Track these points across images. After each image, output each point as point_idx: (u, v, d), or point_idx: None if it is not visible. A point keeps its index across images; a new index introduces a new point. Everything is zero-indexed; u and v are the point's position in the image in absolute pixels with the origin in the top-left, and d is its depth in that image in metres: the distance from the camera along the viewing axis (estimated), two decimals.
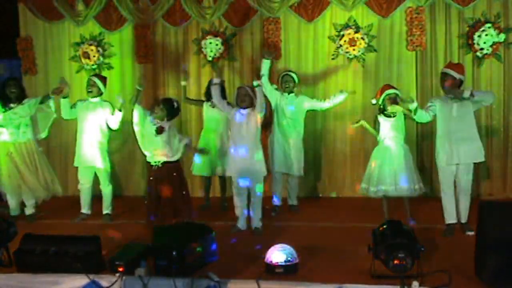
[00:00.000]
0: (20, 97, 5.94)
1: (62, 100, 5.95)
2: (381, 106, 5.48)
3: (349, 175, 7.04)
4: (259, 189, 5.42)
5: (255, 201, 5.44)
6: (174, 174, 5.24)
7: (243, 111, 5.41)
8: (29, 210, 6.09)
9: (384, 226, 4.12)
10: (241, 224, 5.48)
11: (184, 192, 5.31)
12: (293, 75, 6.22)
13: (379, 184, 5.44)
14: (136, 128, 5.31)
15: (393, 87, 5.59)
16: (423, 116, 5.17)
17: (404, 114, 5.44)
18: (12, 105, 5.89)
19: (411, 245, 3.83)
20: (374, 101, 5.58)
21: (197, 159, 6.35)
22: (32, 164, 5.94)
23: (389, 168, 5.43)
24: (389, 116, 5.46)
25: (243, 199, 5.47)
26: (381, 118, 5.51)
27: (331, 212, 6.35)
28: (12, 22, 7.55)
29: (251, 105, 5.40)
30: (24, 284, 4.09)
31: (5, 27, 7.59)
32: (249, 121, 5.38)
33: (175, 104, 5.39)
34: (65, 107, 5.96)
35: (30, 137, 5.98)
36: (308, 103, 6.24)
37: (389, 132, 5.46)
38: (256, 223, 5.44)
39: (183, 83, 6.54)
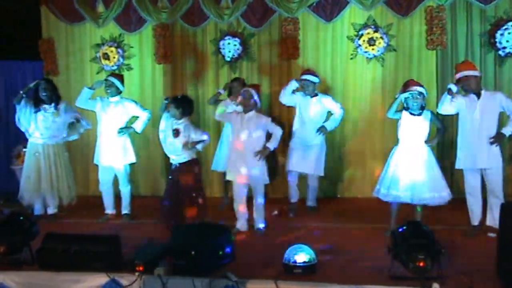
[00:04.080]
0: (52, 98, 5.98)
1: (85, 88, 6.00)
2: (405, 103, 5.19)
3: (368, 175, 6.98)
4: (260, 195, 5.41)
5: (257, 206, 5.44)
6: (189, 173, 5.27)
7: (246, 115, 5.38)
8: (51, 210, 6.17)
9: (404, 227, 4.07)
10: (241, 225, 5.45)
11: (198, 196, 5.32)
12: (312, 78, 6.13)
13: (391, 187, 5.15)
14: (161, 135, 5.37)
15: (418, 84, 5.23)
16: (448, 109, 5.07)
17: (434, 114, 5.20)
18: (45, 106, 5.96)
19: (431, 246, 3.79)
20: (398, 96, 5.28)
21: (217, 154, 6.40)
22: (56, 167, 6.00)
23: (405, 172, 5.09)
24: (415, 114, 5.13)
25: (243, 202, 5.42)
26: (405, 115, 5.18)
27: (350, 212, 6.30)
28: (35, 24, 7.65)
29: (255, 108, 5.37)
30: (46, 282, 4.15)
31: (29, 30, 7.71)
32: (252, 125, 5.33)
33: (187, 100, 5.42)
34: (84, 96, 5.96)
35: (59, 140, 6.04)
36: (329, 105, 6.18)
37: (412, 131, 5.15)
38: (259, 223, 5.43)
39: (220, 90, 6.50)
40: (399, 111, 5.23)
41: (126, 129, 6.02)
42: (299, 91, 6.16)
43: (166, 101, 5.47)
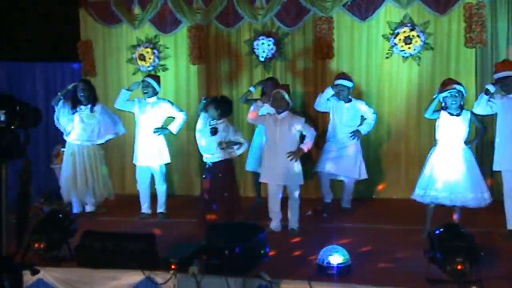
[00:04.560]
0: (89, 99, 6.10)
1: (123, 90, 6.11)
2: (444, 103, 5.05)
3: (404, 177, 6.87)
4: (295, 196, 5.38)
5: (292, 205, 5.41)
6: (223, 173, 5.31)
7: (279, 116, 5.35)
8: (89, 208, 6.30)
9: (441, 229, 3.98)
10: (274, 226, 5.42)
11: (231, 196, 5.35)
12: (346, 82, 6.04)
13: (428, 188, 5.02)
14: (198, 135, 5.44)
15: (457, 83, 5.08)
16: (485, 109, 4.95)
17: (473, 114, 5.06)
18: (82, 106, 6.09)
19: (470, 249, 3.69)
20: (436, 95, 5.17)
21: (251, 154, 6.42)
22: (91, 167, 6.12)
23: (444, 172, 4.98)
24: (453, 114, 5.01)
25: (277, 203, 5.41)
26: (443, 115, 5.05)
27: (385, 213, 6.22)
28: (74, 27, 7.83)
29: (287, 108, 5.34)
30: (84, 279, 4.23)
31: (68, 32, 7.90)
32: (285, 126, 5.30)
33: (226, 101, 5.47)
34: (122, 97, 6.08)
35: (95, 140, 6.17)
36: (362, 110, 6.08)
37: (451, 132, 5.03)
38: (293, 224, 5.40)
39: (251, 88, 6.49)
40: (437, 111, 5.12)
41: (162, 129, 6.09)
42: (333, 96, 6.08)
43: (204, 101, 5.52)
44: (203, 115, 5.44)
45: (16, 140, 2.16)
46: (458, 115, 5.02)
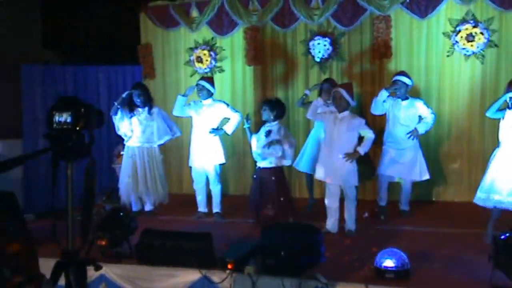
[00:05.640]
0: (146, 103, 6.25)
1: (179, 96, 6.23)
2: (510, 103, 4.77)
3: (466, 178, 6.63)
4: (351, 197, 5.29)
5: (348, 205, 5.32)
6: (273, 178, 5.32)
7: (340, 115, 5.27)
8: (148, 207, 6.46)
9: (507, 234, 3.80)
10: (330, 226, 5.34)
11: (282, 198, 5.34)
12: (404, 79, 5.90)
13: (491, 192, 4.80)
14: (253, 140, 5.51)
15: None
16: None
17: None
18: (139, 109, 6.25)
19: None
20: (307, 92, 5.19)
21: (305, 155, 6.38)
22: (150, 169, 6.26)
23: (509, 175, 4.74)
24: None
25: (335, 202, 5.33)
26: (509, 115, 4.77)
27: (446, 216, 6.01)
28: (134, 31, 8.07)
29: (348, 108, 5.26)
30: (144, 275, 4.35)
31: (128, 36, 8.16)
32: (344, 125, 5.21)
33: (281, 103, 5.48)
34: (179, 104, 6.19)
35: (153, 143, 6.31)
36: (420, 109, 5.88)
37: None
38: (350, 225, 5.31)
39: (307, 91, 6.39)
40: (501, 110, 4.89)
41: (217, 130, 6.16)
42: (389, 97, 5.93)
43: (247, 121, 5.58)
44: (253, 135, 5.53)
45: (81, 140, 2.25)
46: None
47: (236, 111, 6.25)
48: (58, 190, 2.27)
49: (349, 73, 7.11)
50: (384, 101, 5.92)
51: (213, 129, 6.14)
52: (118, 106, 6.20)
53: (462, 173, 6.68)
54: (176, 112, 6.30)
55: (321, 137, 6.07)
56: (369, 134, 5.22)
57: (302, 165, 6.41)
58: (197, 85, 6.24)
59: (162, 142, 6.41)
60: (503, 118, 4.88)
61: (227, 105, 6.29)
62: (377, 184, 6.19)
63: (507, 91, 4.84)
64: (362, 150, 5.19)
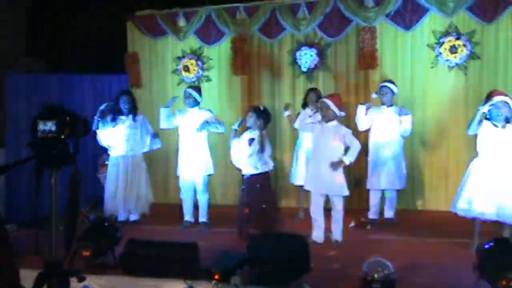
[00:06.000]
0: (132, 110, 6.23)
1: (162, 108, 6.19)
2: (489, 114, 4.82)
3: (451, 188, 6.66)
4: (338, 207, 5.28)
5: (335, 215, 5.31)
6: (261, 185, 5.32)
7: (327, 125, 5.29)
8: (134, 217, 6.39)
9: (492, 243, 3.83)
10: (316, 236, 5.34)
11: (265, 206, 5.34)
12: (392, 86, 5.98)
13: (473, 203, 4.81)
14: (235, 157, 5.50)
15: (503, 94, 4.88)
16: None
17: None
18: (123, 117, 6.21)
19: None
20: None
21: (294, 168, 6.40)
22: (135, 178, 6.22)
23: (490, 187, 4.75)
24: (498, 126, 4.80)
25: (320, 212, 5.33)
26: (486, 125, 4.83)
27: (431, 226, 6.05)
28: (121, 39, 8.04)
29: (334, 118, 5.28)
30: (128, 286, 4.28)
31: (115, 44, 8.12)
32: (330, 135, 5.23)
33: (267, 112, 5.49)
34: (164, 115, 6.16)
35: (137, 152, 6.27)
36: (402, 120, 5.94)
37: (494, 144, 4.81)
38: (336, 235, 5.30)
39: (286, 113, 6.30)
40: (480, 121, 4.92)
41: (202, 125, 6.02)
42: (368, 109, 5.95)
43: (235, 128, 5.58)
44: (235, 142, 5.51)
45: (66, 149, 2.22)
46: (503, 127, 4.79)
47: (221, 125, 6.17)
48: (42, 199, 2.23)
49: (336, 83, 7.15)
50: (366, 113, 5.95)
51: (200, 126, 6.03)
52: (98, 119, 6.13)
53: (447, 182, 6.72)
54: (163, 125, 6.26)
55: (307, 148, 6.11)
56: (354, 144, 5.23)
57: (294, 177, 6.43)
58: (184, 92, 6.22)
59: (146, 150, 6.36)
60: (480, 127, 4.89)
61: (212, 112, 6.25)
62: (369, 196, 6.21)
63: (485, 103, 4.86)
64: (347, 159, 5.19)
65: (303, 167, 6.19)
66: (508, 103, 4.78)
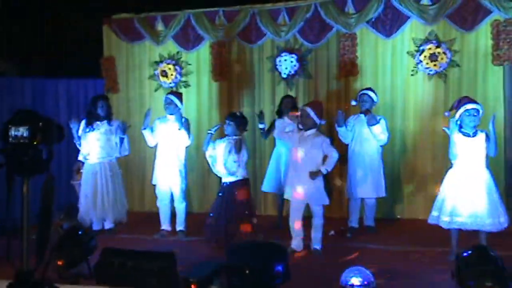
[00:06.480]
0: (108, 115, 6.20)
1: (142, 131, 6.16)
2: (458, 122, 4.92)
3: (429, 196, 6.74)
4: (318, 216, 5.32)
5: (315, 224, 5.34)
6: (243, 190, 5.34)
7: (305, 133, 5.32)
8: (108, 225, 6.33)
9: (470, 251, 3.89)
10: (296, 245, 5.36)
11: (247, 212, 5.36)
12: (371, 94, 6.06)
13: (453, 214, 4.90)
14: (210, 159, 5.54)
15: (473, 101, 4.97)
16: None
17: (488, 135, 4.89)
18: (98, 122, 6.16)
19: (499, 272, 3.59)
20: (447, 114, 5.14)
21: (267, 175, 6.43)
22: (112, 185, 6.16)
23: (466, 196, 4.83)
24: (469, 135, 4.90)
25: (298, 220, 5.35)
26: (457, 136, 4.90)
27: (411, 234, 6.12)
28: (97, 43, 7.98)
29: (314, 126, 5.32)
30: None
31: (91, 48, 8.05)
32: (308, 143, 5.26)
33: (245, 117, 5.53)
34: (147, 135, 6.16)
35: (113, 157, 6.24)
36: (379, 130, 5.98)
37: (468, 154, 4.89)
38: (316, 244, 5.34)
39: (261, 126, 6.31)
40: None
41: (181, 124, 6.00)
42: (345, 125, 6.00)
43: (210, 132, 5.60)
44: (211, 144, 5.52)
45: (38, 155, 2.19)
46: (474, 135, 4.88)
47: (190, 134, 6.11)
48: (13, 207, 2.20)
49: (316, 90, 7.20)
50: (346, 126, 6.00)
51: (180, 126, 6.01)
52: (75, 133, 6.11)
53: (426, 190, 6.80)
54: (152, 143, 6.23)
55: (282, 156, 6.14)
56: (332, 153, 5.26)
57: (264, 185, 6.47)
58: (165, 99, 6.17)
59: (125, 153, 6.37)
60: (453, 140, 4.96)
61: (182, 122, 6.11)
62: (348, 204, 6.29)
63: (457, 109, 4.93)
64: (324, 168, 5.22)
65: (274, 174, 6.28)
66: (479, 111, 4.88)
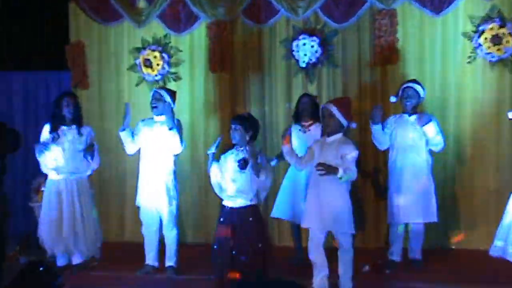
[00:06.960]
0: (76, 118, 6.20)
1: (120, 133, 6.17)
2: None
3: (494, 219, 6.73)
4: (345, 246, 5.27)
5: (342, 256, 5.30)
6: (250, 219, 5.27)
7: (328, 140, 5.25)
8: (77, 259, 6.35)
9: None
10: (318, 283, 5.32)
11: (260, 245, 5.32)
12: (418, 87, 6.05)
13: (509, 241, 4.96)
14: (216, 182, 5.43)
15: None
16: None
17: None
18: (64, 128, 6.17)
19: None
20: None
21: (279, 197, 6.44)
22: (80, 208, 6.17)
23: None
24: None
25: (320, 252, 5.32)
26: None
27: (469, 270, 6.12)
28: (61, 26, 7.99)
29: (340, 130, 5.22)
30: None
31: (54, 33, 8.06)
32: (332, 152, 5.11)
33: (255, 121, 5.37)
34: (126, 139, 6.14)
35: (83, 174, 6.26)
36: (426, 131, 5.98)
37: None
38: (345, 282, 5.30)
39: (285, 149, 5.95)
40: None
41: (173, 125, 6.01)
42: (387, 126, 6.07)
43: (212, 152, 5.46)
44: (215, 163, 5.41)
45: None
46: None
47: (182, 142, 6.13)
48: None
49: (344, 83, 7.23)
50: (384, 130, 6.03)
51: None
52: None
53: (490, 213, 6.77)
54: (131, 150, 6.23)
55: (299, 176, 6.13)
56: (351, 173, 5.06)
57: (275, 209, 6.48)
58: (153, 93, 6.15)
59: (96, 166, 6.37)
60: None
61: (175, 127, 6.12)
62: (388, 232, 6.29)
63: None
64: (341, 173, 5.01)
65: (287, 197, 6.32)
66: None
